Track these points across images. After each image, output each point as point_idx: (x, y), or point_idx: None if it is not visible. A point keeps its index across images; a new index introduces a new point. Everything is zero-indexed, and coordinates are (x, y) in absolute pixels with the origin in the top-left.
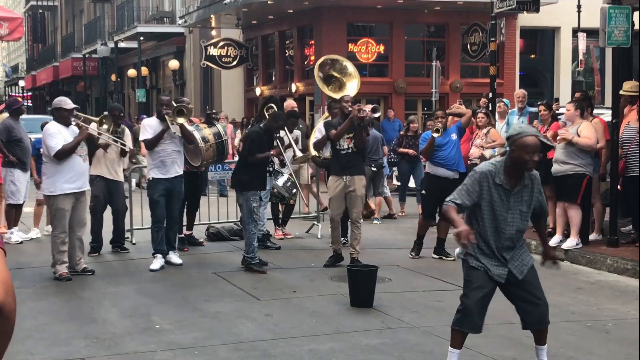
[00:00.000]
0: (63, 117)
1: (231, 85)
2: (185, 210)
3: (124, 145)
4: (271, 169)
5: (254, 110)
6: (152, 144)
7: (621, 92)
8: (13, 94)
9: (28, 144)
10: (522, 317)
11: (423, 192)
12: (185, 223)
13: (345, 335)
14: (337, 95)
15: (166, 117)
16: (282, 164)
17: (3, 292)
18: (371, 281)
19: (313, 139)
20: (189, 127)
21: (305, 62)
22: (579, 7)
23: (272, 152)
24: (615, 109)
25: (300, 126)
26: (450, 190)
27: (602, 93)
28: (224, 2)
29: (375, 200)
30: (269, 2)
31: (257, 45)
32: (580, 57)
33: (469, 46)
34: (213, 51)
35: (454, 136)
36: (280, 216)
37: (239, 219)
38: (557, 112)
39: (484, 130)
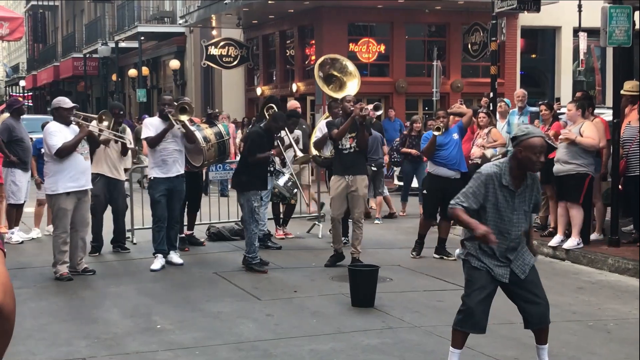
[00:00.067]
0: (63, 116)
1: (232, 85)
2: (186, 210)
3: (123, 139)
4: (272, 169)
5: (254, 110)
6: (154, 141)
7: (622, 92)
8: (14, 93)
9: (29, 143)
10: (523, 316)
11: (424, 191)
12: (186, 223)
13: (346, 335)
14: (337, 95)
15: (169, 115)
16: (283, 164)
17: (2, 293)
18: (372, 281)
19: (314, 138)
20: (191, 127)
21: (306, 62)
22: (579, 6)
23: (272, 152)
24: (616, 109)
25: (304, 126)
26: (451, 190)
27: (603, 93)
28: (225, 2)
29: (376, 200)
30: (269, 2)
31: (257, 45)
32: (581, 56)
33: (469, 46)
34: (214, 51)
35: (455, 136)
36: (281, 216)
37: (239, 219)
38: (558, 111)
39: (485, 130)
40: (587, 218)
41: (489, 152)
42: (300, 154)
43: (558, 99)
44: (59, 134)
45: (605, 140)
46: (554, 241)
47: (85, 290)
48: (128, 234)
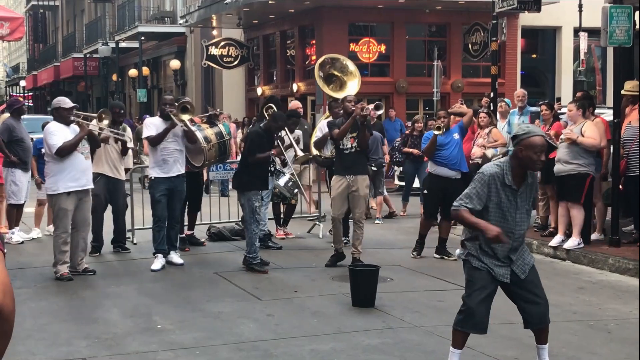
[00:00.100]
0: (63, 116)
1: (232, 85)
2: (186, 210)
3: (123, 136)
4: (272, 169)
5: (255, 110)
6: (156, 140)
7: (623, 92)
8: (14, 94)
9: (29, 143)
10: (523, 316)
11: (425, 191)
12: (186, 223)
13: (347, 335)
14: (337, 95)
15: (170, 114)
16: (284, 164)
17: (1, 293)
18: (373, 281)
19: (314, 137)
20: (192, 127)
21: (307, 62)
22: (580, 6)
23: (272, 152)
24: (617, 109)
25: (306, 127)
26: (452, 190)
27: (603, 93)
28: (225, 2)
29: (376, 200)
30: (270, 2)
31: (258, 45)
32: (582, 56)
33: (470, 46)
34: (214, 51)
35: (456, 136)
36: (282, 216)
37: (240, 219)
38: (559, 111)
39: (486, 130)
40: (588, 218)
41: (489, 152)
42: (300, 153)
43: (559, 99)
44: (59, 134)
45: (605, 140)
46: (555, 241)
47: (86, 290)
48: (128, 234)
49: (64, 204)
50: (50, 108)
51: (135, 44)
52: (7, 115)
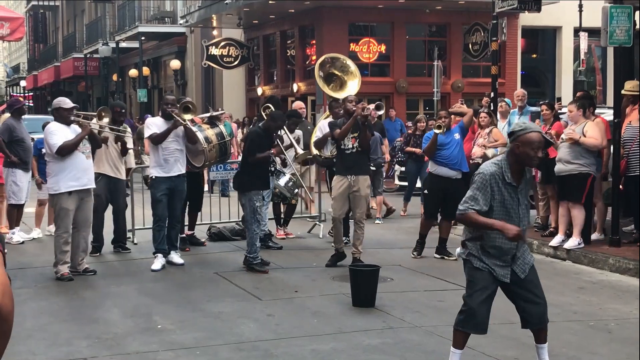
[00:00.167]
0: (63, 116)
1: (232, 85)
2: (187, 210)
3: (124, 134)
4: (273, 168)
5: (255, 110)
6: (159, 139)
7: (623, 92)
8: (14, 94)
9: (30, 144)
10: (522, 316)
11: (425, 191)
12: (187, 223)
13: (347, 335)
14: (337, 95)
15: (173, 114)
16: (284, 164)
17: (0, 294)
18: (373, 281)
19: (314, 137)
20: (192, 128)
21: (307, 62)
22: (580, 6)
23: (272, 152)
24: (617, 109)
25: (309, 127)
26: (452, 190)
27: (603, 92)
28: (225, 2)
29: (376, 200)
30: (270, 2)
31: (258, 45)
32: (582, 56)
33: (470, 46)
34: (214, 51)
35: (457, 136)
36: (282, 216)
37: (240, 219)
38: (559, 111)
39: (487, 130)
40: (588, 218)
41: (490, 152)
42: (300, 151)
43: (559, 99)
44: (59, 133)
45: (606, 140)
46: (555, 241)
47: (86, 290)
48: (129, 234)
49: (65, 204)
50: (50, 108)
51: (135, 44)
52: (7, 115)
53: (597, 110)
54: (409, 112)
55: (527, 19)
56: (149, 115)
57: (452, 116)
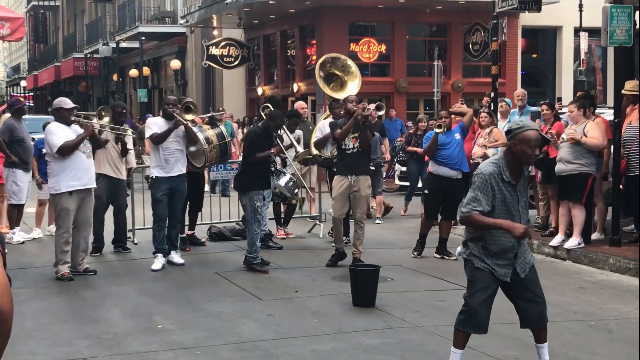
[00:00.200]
0: (63, 117)
1: (233, 85)
2: (187, 209)
3: (125, 133)
4: (273, 168)
5: (255, 110)
6: (160, 139)
7: (623, 92)
8: (15, 94)
9: (30, 144)
10: (522, 315)
11: (426, 191)
12: (187, 223)
13: (348, 335)
14: (337, 95)
15: (174, 114)
16: (284, 164)
17: None
18: (373, 281)
19: (314, 138)
20: (193, 128)
21: (307, 62)
22: (580, 6)
23: (272, 151)
24: (617, 109)
25: (311, 128)
26: (452, 190)
27: (604, 92)
28: (226, 2)
29: (376, 200)
30: (270, 2)
31: (258, 45)
32: (582, 56)
33: (470, 46)
34: (215, 51)
35: (457, 136)
36: (282, 216)
37: (240, 219)
38: (559, 111)
39: (487, 130)
40: (588, 218)
41: (490, 152)
42: (300, 149)
43: (560, 99)
44: (60, 133)
45: (606, 139)
46: (555, 241)
47: (86, 290)
48: (129, 234)
49: (66, 204)
50: (51, 108)
51: (135, 44)
52: (8, 115)
53: (598, 110)
54: (409, 112)
55: (528, 18)
56: (150, 115)
57: (453, 116)
